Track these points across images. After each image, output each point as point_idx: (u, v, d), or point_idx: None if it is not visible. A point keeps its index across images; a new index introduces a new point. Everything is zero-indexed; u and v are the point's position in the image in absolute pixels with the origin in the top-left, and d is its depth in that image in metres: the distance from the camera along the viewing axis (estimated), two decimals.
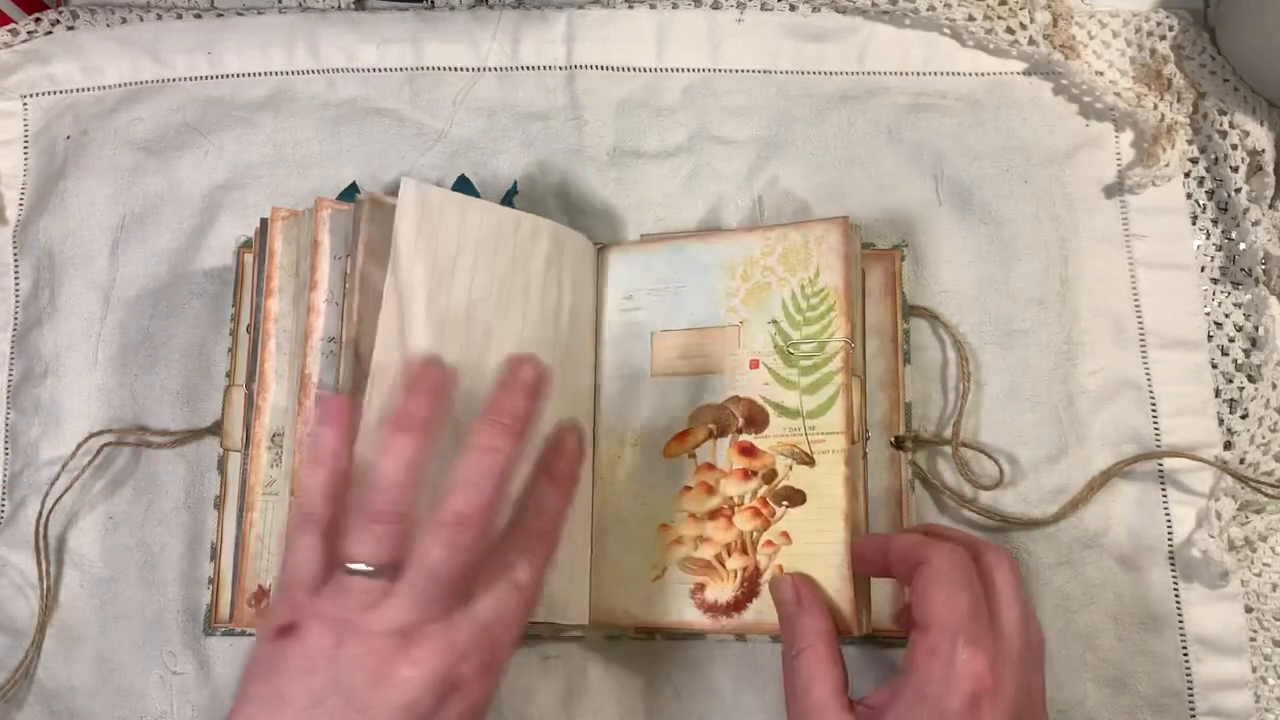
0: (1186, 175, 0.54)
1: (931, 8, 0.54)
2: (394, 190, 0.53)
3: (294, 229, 0.48)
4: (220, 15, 0.56)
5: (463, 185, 0.52)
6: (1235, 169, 0.52)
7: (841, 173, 0.54)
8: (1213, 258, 0.53)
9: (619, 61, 0.56)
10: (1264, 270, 0.52)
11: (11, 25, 0.56)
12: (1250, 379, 0.51)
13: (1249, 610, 0.49)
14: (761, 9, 0.56)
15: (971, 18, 0.54)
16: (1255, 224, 0.52)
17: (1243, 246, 0.52)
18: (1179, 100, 0.54)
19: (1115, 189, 0.54)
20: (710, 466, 0.47)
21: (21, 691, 0.50)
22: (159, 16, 0.56)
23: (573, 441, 0.42)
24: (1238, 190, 0.52)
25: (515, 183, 0.53)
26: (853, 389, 0.45)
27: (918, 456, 0.50)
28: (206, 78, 0.56)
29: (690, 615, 0.46)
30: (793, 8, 0.56)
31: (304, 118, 0.55)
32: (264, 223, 0.48)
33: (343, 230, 0.46)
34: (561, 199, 0.54)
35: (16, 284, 0.54)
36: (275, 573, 0.42)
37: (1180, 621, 0.49)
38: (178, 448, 0.52)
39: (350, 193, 0.51)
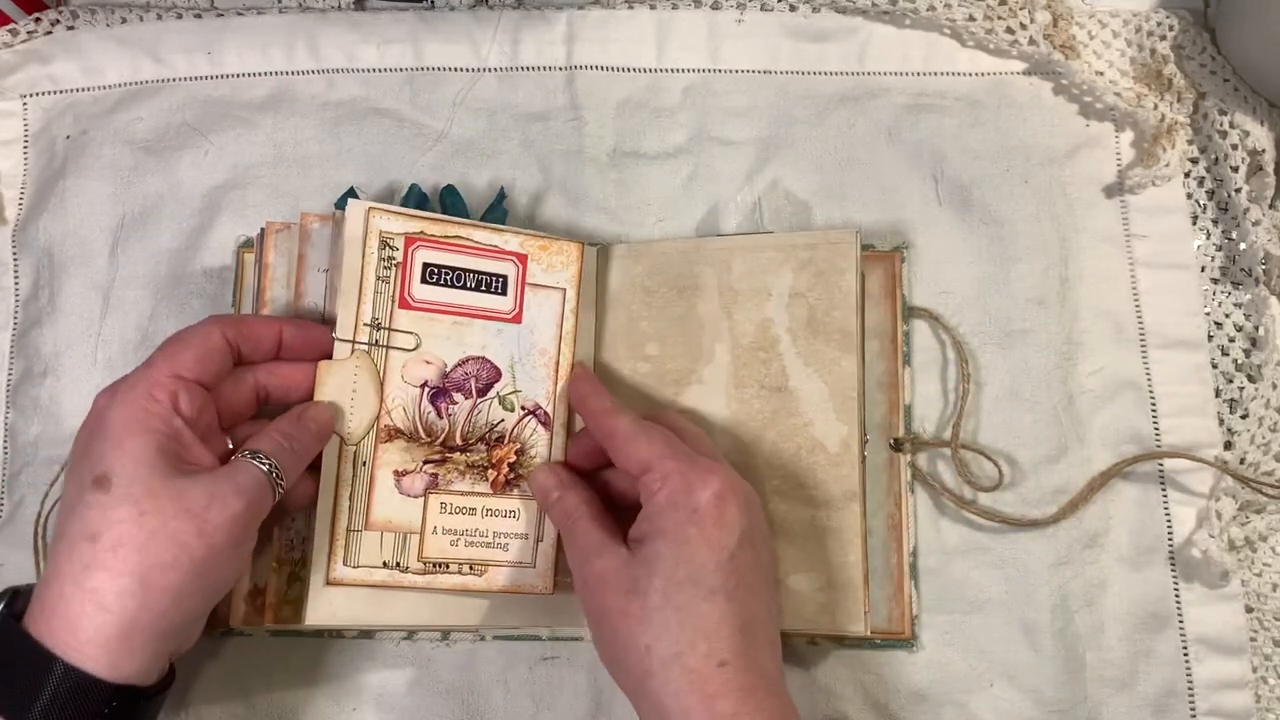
0: (1186, 175, 0.54)
1: (931, 8, 0.54)
2: (390, 193, 0.54)
3: (287, 241, 0.48)
4: (220, 15, 0.56)
5: (449, 194, 0.52)
6: (1235, 169, 0.52)
7: (841, 173, 0.54)
8: (1213, 258, 0.53)
9: (619, 62, 0.56)
10: (1264, 270, 0.52)
11: (11, 25, 0.56)
12: (1250, 379, 0.51)
13: (1249, 610, 0.49)
14: (761, 9, 0.56)
15: (971, 18, 0.54)
16: (1255, 224, 0.52)
17: (1243, 246, 0.52)
18: (1179, 100, 0.54)
19: (1115, 189, 0.54)
20: None
21: None
22: (159, 16, 0.56)
23: None
24: (1238, 190, 0.52)
25: (501, 189, 0.53)
26: None
27: (917, 458, 0.50)
28: (206, 78, 0.56)
29: None
30: (793, 8, 0.56)
31: (304, 118, 0.55)
32: (262, 234, 0.49)
33: (325, 243, 0.47)
34: (561, 200, 0.54)
35: (16, 283, 0.54)
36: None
37: (1180, 621, 0.49)
38: None
39: (346, 198, 0.51)
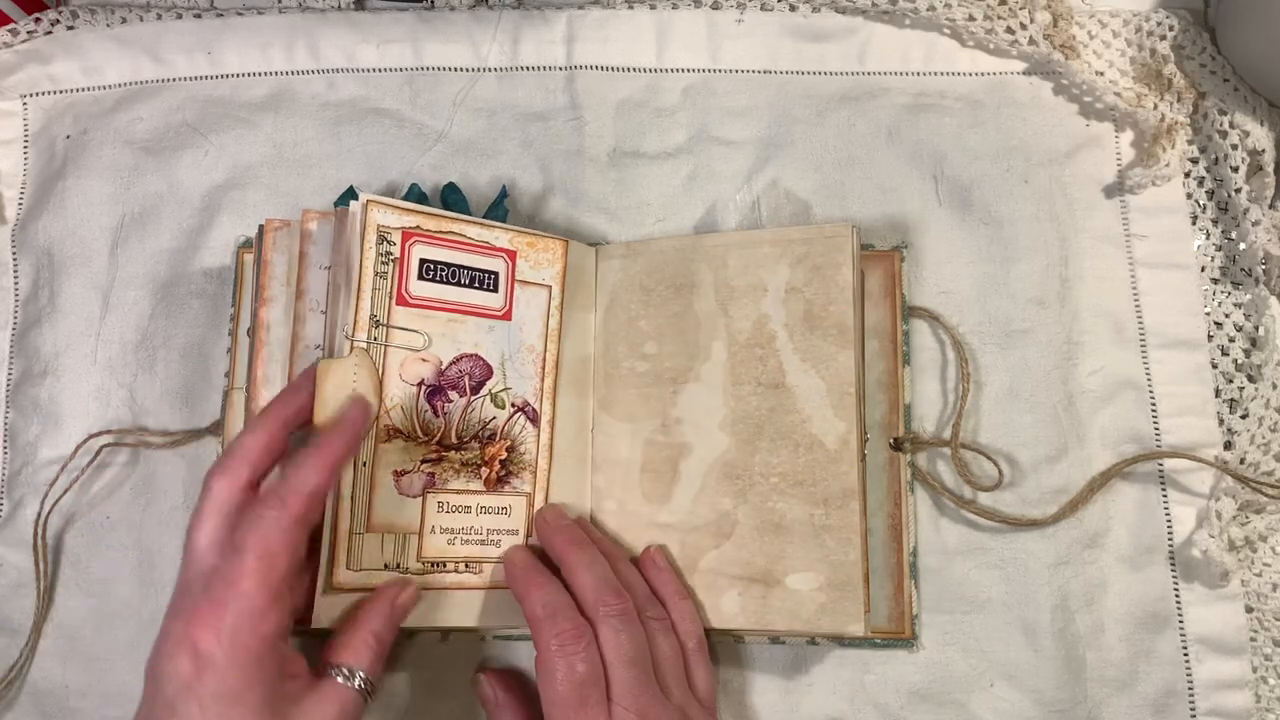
0: (1186, 175, 0.54)
1: (931, 8, 0.54)
2: (390, 192, 0.54)
3: (286, 239, 0.48)
4: (220, 15, 0.56)
5: (451, 191, 0.52)
6: (1235, 169, 0.52)
7: (841, 173, 0.54)
8: (1213, 258, 0.53)
9: (619, 62, 0.56)
10: (1264, 270, 0.52)
11: (11, 25, 0.56)
12: (1250, 379, 0.51)
13: (1249, 610, 0.49)
14: (761, 9, 0.56)
15: (971, 18, 0.54)
16: (1255, 224, 0.52)
17: (1243, 246, 0.52)
18: (1179, 100, 0.54)
19: (1115, 189, 0.54)
20: None
21: (13, 691, 0.50)
22: (159, 16, 0.56)
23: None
24: (1238, 190, 0.52)
25: (504, 187, 0.53)
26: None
27: (917, 458, 0.50)
28: (206, 78, 0.56)
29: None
30: (793, 8, 0.56)
31: (304, 118, 0.55)
32: (260, 231, 0.49)
33: (327, 240, 0.47)
34: (561, 200, 0.54)
35: (16, 283, 0.54)
36: None
37: (1180, 621, 0.49)
38: (177, 448, 0.52)
39: (347, 197, 0.51)
